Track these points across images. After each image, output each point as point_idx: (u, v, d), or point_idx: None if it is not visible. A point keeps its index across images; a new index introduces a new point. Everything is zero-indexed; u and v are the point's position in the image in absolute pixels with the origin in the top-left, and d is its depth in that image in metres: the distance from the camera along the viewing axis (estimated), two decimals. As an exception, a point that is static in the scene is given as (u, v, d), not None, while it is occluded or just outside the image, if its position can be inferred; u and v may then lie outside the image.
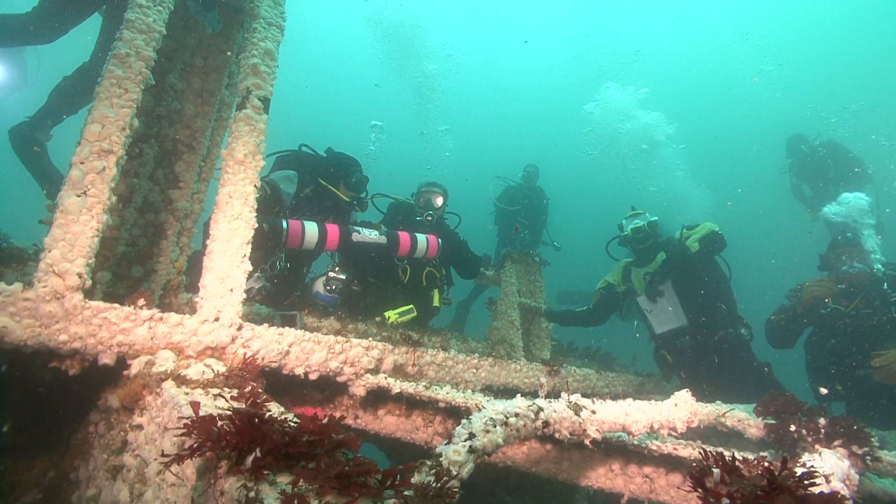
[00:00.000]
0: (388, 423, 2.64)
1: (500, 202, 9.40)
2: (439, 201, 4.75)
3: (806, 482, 0.92)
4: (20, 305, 1.72)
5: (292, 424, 1.13)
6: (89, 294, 1.89)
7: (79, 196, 1.85)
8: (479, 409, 1.51)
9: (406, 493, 0.96)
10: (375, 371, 2.56)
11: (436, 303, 4.45)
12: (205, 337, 2.03)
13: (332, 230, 3.56)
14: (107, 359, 1.86)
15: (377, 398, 2.65)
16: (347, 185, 4.24)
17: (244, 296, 2.17)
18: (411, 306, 4.04)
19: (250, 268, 2.20)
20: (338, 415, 2.61)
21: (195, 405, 1.26)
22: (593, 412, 1.78)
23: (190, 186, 2.87)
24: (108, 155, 1.93)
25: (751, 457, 1.10)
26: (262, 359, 2.18)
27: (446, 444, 1.31)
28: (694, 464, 1.14)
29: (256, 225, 2.26)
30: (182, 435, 1.16)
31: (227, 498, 1.02)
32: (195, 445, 1.08)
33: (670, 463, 2.25)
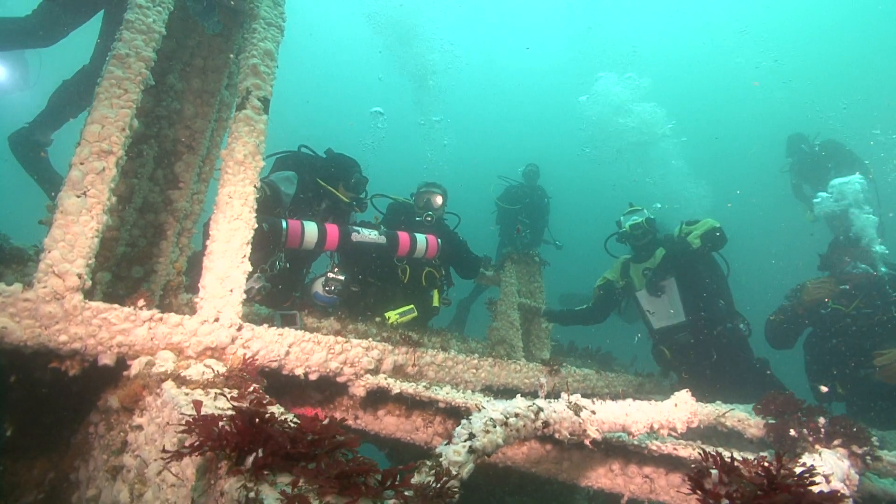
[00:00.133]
0: (388, 423, 2.64)
1: (501, 202, 9.43)
2: (439, 201, 4.75)
3: (805, 481, 0.92)
4: (20, 306, 1.72)
5: (292, 425, 1.13)
6: (89, 295, 1.89)
7: (79, 197, 1.85)
8: (479, 410, 1.51)
9: (406, 493, 0.96)
10: (375, 371, 2.56)
11: (435, 303, 4.45)
12: (205, 337, 2.03)
13: (332, 230, 3.56)
14: (107, 359, 1.86)
15: (377, 398, 2.65)
16: (347, 185, 4.24)
17: (244, 296, 2.17)
18: (412, 306, 4.04)
19: (250, 268, 2.20)
20: (338, 415, 2.62)
21: (197, 404, 1.27)
22: (593, 412, 1.78)
23: (190, 187, 2.87)
24: (107, 155, 1.93)
25: (751, 457, 1.10)
26: (262, 359, 2.18)
27: (446, 445, 1.31)
28: (693, 465, 1.14)
29: (256, 225, 2.26)
30: (183, 432, 1.16)
31: (227, 498, 1.02)
32: (196, 444, 1.08)
33: (670, 463, 2.25)
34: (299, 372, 2.29)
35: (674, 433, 1.89)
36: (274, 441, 1.03)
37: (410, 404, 2.64)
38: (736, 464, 0.99)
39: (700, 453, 1.30)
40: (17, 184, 4.31)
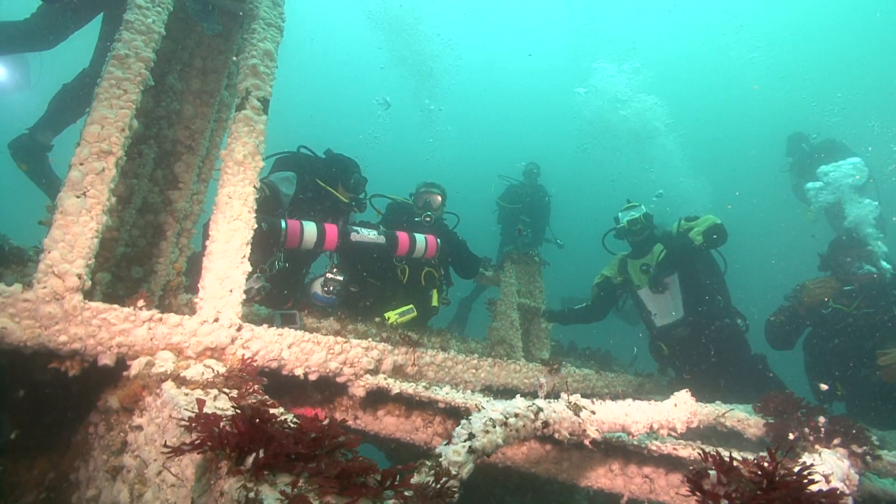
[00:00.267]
0: (388, 423, 2.64)
1: (502, 201, 9.45)
2: (437, 201, 4.75)
3: (804, 480, 0.92)
4: (20, 306, 1.72)
5: (292, 425, 1.13)
6: (89, 295, 1.89)
7: (78, 197, 1.85)
8: (479, 410, 1.51)
9: (406, 493, 0.96)
10: (375, 372, 2.56)
11: (435, 303, 4.45)
12: (204, 338, 2.03)
13: (331, 230, 3.56)
14: (106, 359, 1.87)
15: (377, 399, 2.65)
16: (346, 185, 4.24)
17: (244, 296, 2.17)
18: (411, 306, 4.04)
19: (250, 269, 2.20)
20: (338, 416, 2.62)
21: (200, 402, 1.27)
22: (593, 412, 1.78)
23: (189, 187, 2.87)
24: (107, 156, 1.93)
25: (751, 457, 1.10)
26: (262, 359, 2.18)
27: (446, 445, 1.31)
28: (691, 467, 1.15)
29: (255, 226, 2.26)
30: (185, 428, 1.16)
31: (227, 498, 1.02)
32: (197, 441, 1.08)
33: (670, 463, 2.25)
34: (299, 372, 2.29)
35: (673, 433, 1.89)
36: (276, 442, 1.04)
37: (410, 404, 2.64)
38: (735, 463, 0.99)
39: (700, 453, 1.30)
40: (17, 184, 4.31)
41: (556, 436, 1.68)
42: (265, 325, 2.22)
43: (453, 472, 1.20)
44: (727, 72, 29.71)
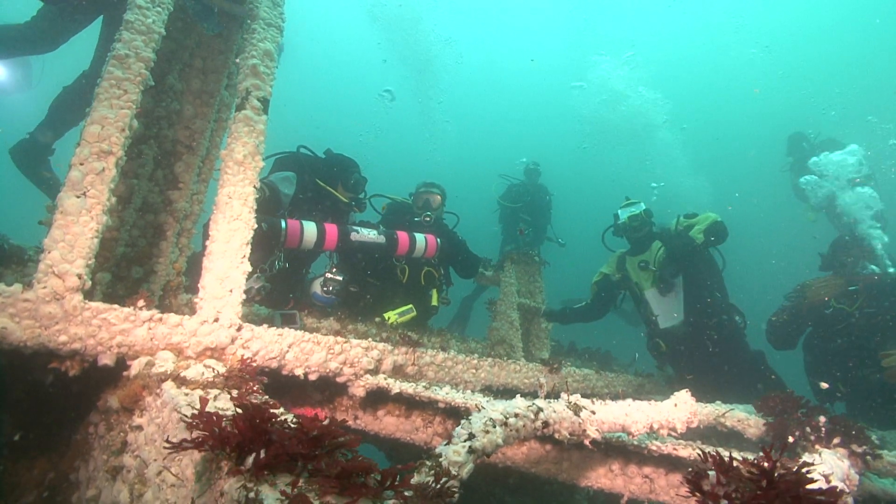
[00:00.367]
0: (388, 423, 2.64)
1: (503, 200, 9.46)
2: (437, 201, 4.76)
3: (804, 480, 0.92)
4: (20, 306, 1.72)
5: (292, 425, 1.13)
6: (89, 295, 1.89)
7: (78, 197, 1.86)
8: (479, 410, 1.51)
9: (406, 493, 0.96)
10: (375, 372, 2.56)
11: (434, 302, 4.45)
12: (204, 338, 2.03)
13: (331, 230, 3.56)
14: (106, 359, 1.87)
15: (377, 399, 2.65)
16: (346, 185, 4.25)
17: (244, 296, 2.17)
18: (410, 306, 4.04)
19: (250, 269, 2.20)
20: (338, 416, 2.62)
21: (203, 400, 1.27)
22: (593, 412, 1.78)
23: (189, 187, 2.87)
24: (107, 156, 1.93)
25: (751, 457, 1.10)
26: (262, 359, 2.18)
27: (446, 445, 1.31)
28: (691, 468, 1.15)
29: (255, 226, 2.26)
30: (187, 426, 1.16)
31: (227, 498, 1.02)
32: (198, 440, 1.08)
33: (670, 463, 2.25)
34: (299, 372, 2.29)
35: (673, 433, 1.89)
36: (278, 442, 1.04)
37: (410, 404, 2.64)
38: (734, 463, 0.99)
39: (700, 454, 1.30)
40: (17, 184, 4.31)
41: (556, 436, 1.68)
42: (265, 325, 2.22)
43: (453, 472, 1.20)
44: (727, 70, 29.77)
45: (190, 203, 2.91)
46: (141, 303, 1.99)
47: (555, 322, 4.95)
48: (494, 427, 1.42)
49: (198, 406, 1.51)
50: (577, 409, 1.75)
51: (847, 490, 1.79)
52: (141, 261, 2.70)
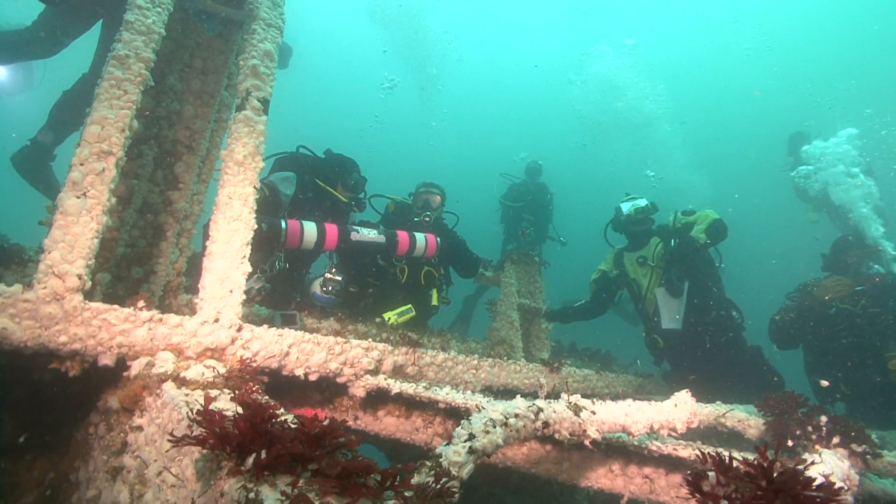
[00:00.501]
0: (388, 424, 2.64)
1: (505, 199, 9.48)
2: (437, 201, 4.76)
3: (801, 476, 0.92)
4: (20, 307, 1.72)
5: (293, 426, 1.13)
6: (89, 295, 1.89)
7: (78, 197, 1.86)
8: (479, 410, 1.51)
9: (406, 493, 0.96)
10: (375, 372, 2.56)
11: (434, 302, 4.45)
12: (205, 338, 2.03)
13: (331, 229, 3.57)
14: (107, 360, 1.87)
15: (377, 399, 2.65)
16: (345, 185, 4.25)
17: (244, 297, 2.17)
18: (409, 306, 4.04)
19: (250, 269, 2.20)
20: (338, 416, 2.62)
21: (208, 399, 1.27)
22: (593, 413, 1.78)
23: (189, 188, 2.87)
24: (107, 156, 1.93)
25: (751, 457, 1.10)
26: (262, 360, 2.18)
27: (446, 445, 1.31)
28: (690, 469, 1.15)
29: (256, 226, 2.26)
30: (191, 422, 1.16)
31: (227, 499, 1.02)
32: (200, 437, 1.08)
33: (670, 463, 2.25)
34: (299, 373, 2.29)
35: (674, 433, 1.89)
36: (280, 442, 1.04)
37: (410, 405, 2.64)
38: (734, 463, 0.99)
39: (699, 454, 1.30)
40: (18, 184, 4.31)
41: (557, 436, 1.68)
42: (265, 326, 2.22)
43: (453, 473, 1.20)
44: (726, 67, 29.79)
45: (190, 203, 2.91)
46: (141, 303, 1.99)
47: (555, 322, 4.94)
48: (495, 427, 1.42)
49: (197, 406, 1.51)
50: (577, 410, 1.75)
51: (846, 488, 1.79)
52: (141, 261, 2.70)
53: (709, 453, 1.06)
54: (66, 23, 3.75)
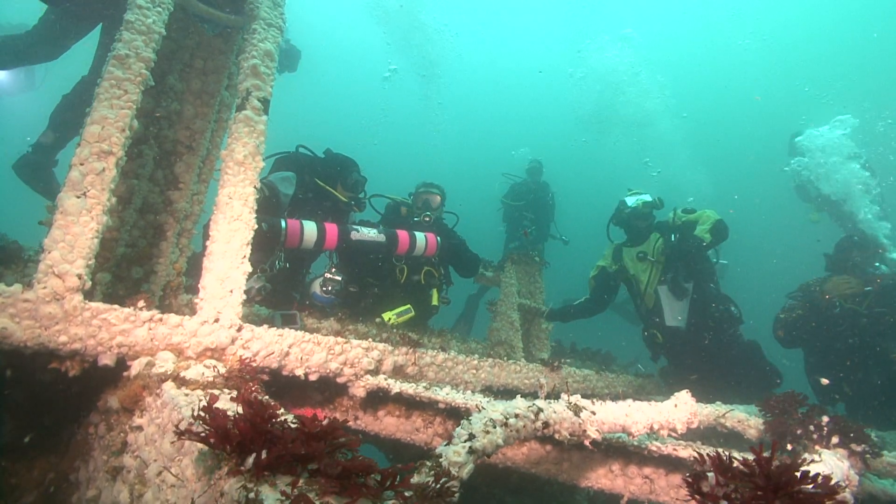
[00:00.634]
0: (388, 424, 2.64)
1: (506, 199, 9.51)
2: (437, 201, 4.76)
3: (802, 473, 0.92)
4: (20, 307, 1.72)
5: (293, 426, 1.13)
6: (89, 295, 1.89)
7: (78, 197, 1.86)
8: (479, 410, 1.51)
9: (406, 493, 0.96)
10: (375, 372, 2.56)
11: (434, 302, 4.45)
12: (205, 338, 2.03)
13: (331, 229, 3.57)
14: (107, 360, 1.87)
15: (377, 399, 2.65)
16: (345, 185, 4.25)
17: (244, 297, 2.17)
18: (408, 306, 4.04)
19: (250, 269, 2.20)
20: (338, 416, 2.62)
21: (213, 397, 1.27)
22: (593, 413, 1.78)
23: (189, 187, 2.87)
24: (107, 156, 1.93)
25: (751, 457, 1.10)
26: (262, 360, 2.18)
27: (446, 445, 1.31)
28: (688, 472, 1.15)
29: (256, 226, 2.26)
30: (195, 419, 1.16)
31: (227, 499, 1.02)
32: (203, 434, 1.08)
33: (670, 464, 2.25)
34: (299, 373, 2.29)
35: (674, 434, 1.89)
36: (281, 443, 1.04)
37: (410, 405, 2.64)
38: (734, 463, 0.99)
39: (698, 455, 1.30)
40: (18, 184, 4.32)
41: (557, 436, 1.68)
42: (265, 326, 2.22)
43: (453, 473, 1.20)
44: (725, 62, 29.77)
45: (190, 203, 2.91)
46: (141, 303, 1.99)
47: (557, 321, 4.94)
48: (495, 427, 1.42)
49: (202, 403, 1.51)
50: (577, 410, 1.75)
51: (848, 493, 1.78)
52: (141, 261, 2.70)
53: (707, 454, 1.06)
54: (67, 26, 3.75)
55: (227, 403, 1.58)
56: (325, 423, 1.08)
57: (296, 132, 5.71)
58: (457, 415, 2.50)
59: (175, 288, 2.83)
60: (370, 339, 2.62)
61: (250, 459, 1.04)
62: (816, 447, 2.06)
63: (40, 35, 3.79)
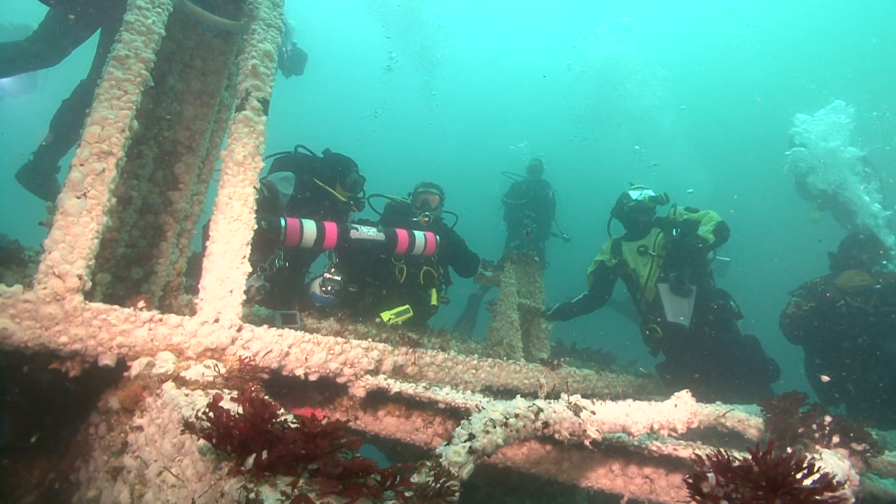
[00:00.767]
0: (388, 424, 2.64)
1: (507, 198, 9.53)
2: (435, 201, 4.76)
3: (800, 468, 0.92)
4: (20, 307, 1.73)
5: (293, 426, 1.13)
6: (89, 296, 1.89)
7: (79, 198, 1.86)
8: (479, 410, 1.51)
9: (406, 493, 0.96)
10: (375, 372, 2.56)
11: (434, 301, 4.46)
12: (205, 338, 2.03)
13: (331, 227, 3.57)
14: (107, 360, 1.87)
15: (377, 399, 2.65)
16: (344, 185, 4.25)
17: (244, 297, 2.17)
18: (407, 306, 4.04)
19: (250, 269, 2.21)
20: (338, 416, 2.62)
21: (218, 397, 1.27)
22: (593, 413, 1.78)
23: (189, 188, 2.87)
24: (107, 157, 1.93)
25: (750, 456, 1.10)
26: (262, 360, 2.18)
27: (446, 445, 1.31)
28: (689, 471, 1.15)
29: (256, 226, 2.26)
30: (197, 419, 1.16)
31: (228, 499, 1.02)
32: (206, 432, 1.08)
33: (670, 463, 2.25)
34: (299, 373, 2.29)
35: (674, 434, 1.89)
36: (281, 443, 1.04)
37: (410, 405, 2.64)
38: (735, 463, 0.99)
39: (697, 457, 1.30)
40: (18, 185, 4.32)
41: (557, 436, 1.68)
42: (265, 326, 2.22)
43: (453, 473, 1.20)
44: (724, 59, 29.73)
45: (190, 204, 2.92)
46: (141, 303, 1.99)
47: (558, 320, 4.93)
48: (495, 427, 1.42)
49: (198, 406, 1.51)
50: (577, 410, 1.75)
51: (849, 493, 1.78)
52: (141, 261, 2.71)
53: (707, 454, 1.06)
54: (66, 33, 3.77)
55: (228, 404, 1.58)
56: (325, 423, 1.08)
57: (296, 131, 5.71)
58: (457, 415, 2.50)
59: (175, 288, 2.83)
60: (370, 340, 2.62)
61: (251, 459, 1.04)
62: (817, 446, 2.06)
63: (40, 41, 3.81)
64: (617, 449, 2.31)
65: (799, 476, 0.91)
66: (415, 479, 1.15)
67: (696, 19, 31.64)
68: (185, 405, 1.54)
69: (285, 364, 2.25)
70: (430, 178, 5.10)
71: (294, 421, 1.23)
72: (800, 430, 2.15)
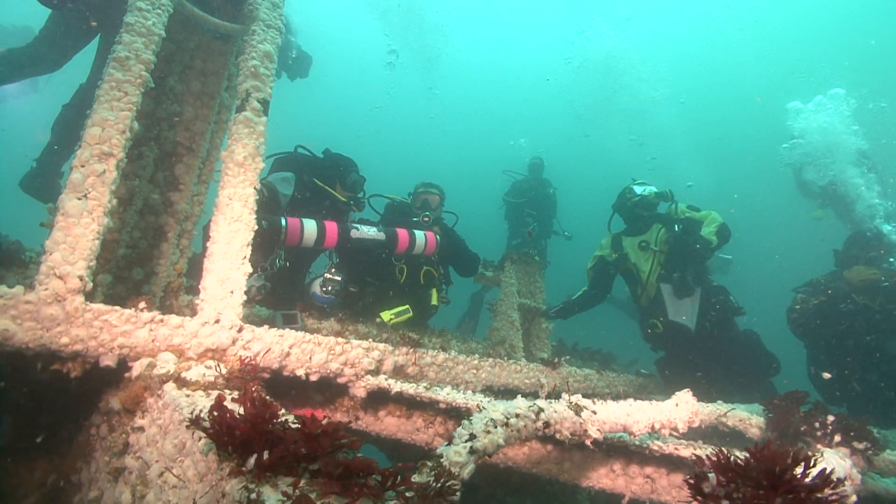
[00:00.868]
0: (389, 424, 2.65)
1: (508, 197, 9.54)
2: (436, 201, 4.76)
3: (799, 463, 0.91)
4: (22, 308, 1.73)
5: (293, 426, 1.13)
6: (90, 296, 1.89)
7: (79, 199, 1.86)
8: (480, 410, 1.51)
9: (407, 493, 0.96)
10: (376, 372, 2.56)
11: (434, 301, 4.45)
12: (206, 339, 2.03)
13: (331, 227, 3.57)
14: (108, 361, 1.87)
15: (378, 399, 2.65)
16: (344, 185, 4.25)
17: (245, 297, 2.17)
18: (407, 306, 4.04)
19: (250, 270, 2.21)
20: (339, 416, 2.62)
21: (220, 397, 1.27)
22: (594, 412, 1.78)
23: (190, 189, 2.88)
24: (108, 158, 1.93)
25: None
26: (263, 360, 2.18)
27: (447, 445, 1.31)
28: (690, 470, 1.15)
29: (256, 227, 2.26)
30: (200, 419, 1.16)
31: (229, 499, 1.02)
32: (210, 431, 1.08)
33: (672, 463, 2.25)
34: (300, 373, 2.29)
35: (675, 433, 1.89)
36: (282, 443, 1.04)
37: (411, 405, 2.64)
38: (737, 462, 0.99)
39: (697, 457, 1.30)
40: (18, 186, 4.32)
41: (558, 436, 1.68)
42: (266, 326, 2.22)
43: (454, 473, 1.20)
44: (723, 57, 29.67)
45: (190, 204, 2.92)
46: (142, 304, 1.99)
47: (558, 318, 4.93)
48: (495, 427, 1.42)
49: (198, 406, 1.52)
50: (578, 410, 1.75)
51: (850, 492, 1.78)
52: (142, 262, 2.71)
53: (707, 455, 1.06)
54: (66, 38, 3.78)
55: (230, 404, 1.59)
56: (325, 423, 1.08)
57: (296, 131, 5.71)
58: (457, 415, 2.50)
59: (176, 289, 2.84)
60: (370, 340, 2.62)
61: (252, 460, 1.04)
62: (819, 445, 2.06)
63: (40, 47, 3.82)
64: (618, 449, 2.31)
65: (798, 473, 0.91)
66: (416, 479, 1.15)
67: (695, 12, 31.58)
68: (186, 406, 1.54)
69: (286, 364, 2.25)
70: (430, 177, 5.10)
71: (295, 421, 1.23)
72: (801, 429, 2.14)
